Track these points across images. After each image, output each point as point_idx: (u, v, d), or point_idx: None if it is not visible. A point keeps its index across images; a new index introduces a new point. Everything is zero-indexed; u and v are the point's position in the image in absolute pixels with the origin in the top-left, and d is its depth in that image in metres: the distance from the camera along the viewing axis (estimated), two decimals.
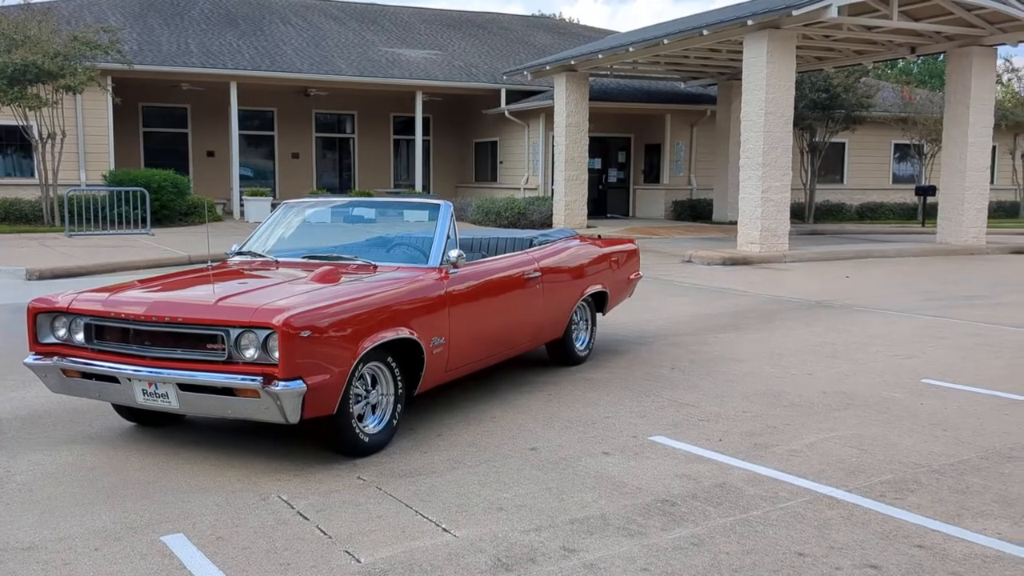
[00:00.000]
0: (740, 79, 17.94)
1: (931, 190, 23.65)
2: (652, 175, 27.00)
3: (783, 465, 4.94)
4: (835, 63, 21.67)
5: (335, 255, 5.99)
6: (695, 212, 25.37)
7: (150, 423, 5.60)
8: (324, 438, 5.00)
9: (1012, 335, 9.00)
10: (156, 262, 14.17)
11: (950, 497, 4.48)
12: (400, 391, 5.24)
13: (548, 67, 22.36)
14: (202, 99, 25.37)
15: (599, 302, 7.84)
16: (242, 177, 24.82)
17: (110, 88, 21.52)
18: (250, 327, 4.53)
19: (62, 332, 5.07)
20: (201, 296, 4.98)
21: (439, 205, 6.18)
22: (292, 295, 4.91)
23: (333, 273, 5.52)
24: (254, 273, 5.79)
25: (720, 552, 3.82)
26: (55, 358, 5.04)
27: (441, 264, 5.74)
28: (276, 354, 4.45)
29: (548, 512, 4.25)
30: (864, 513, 4.27)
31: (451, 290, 5.66)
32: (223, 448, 5.18)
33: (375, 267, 5.68)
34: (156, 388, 4.73)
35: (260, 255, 6.23)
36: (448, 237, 5.95)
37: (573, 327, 7.37)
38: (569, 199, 22.23)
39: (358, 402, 5.00)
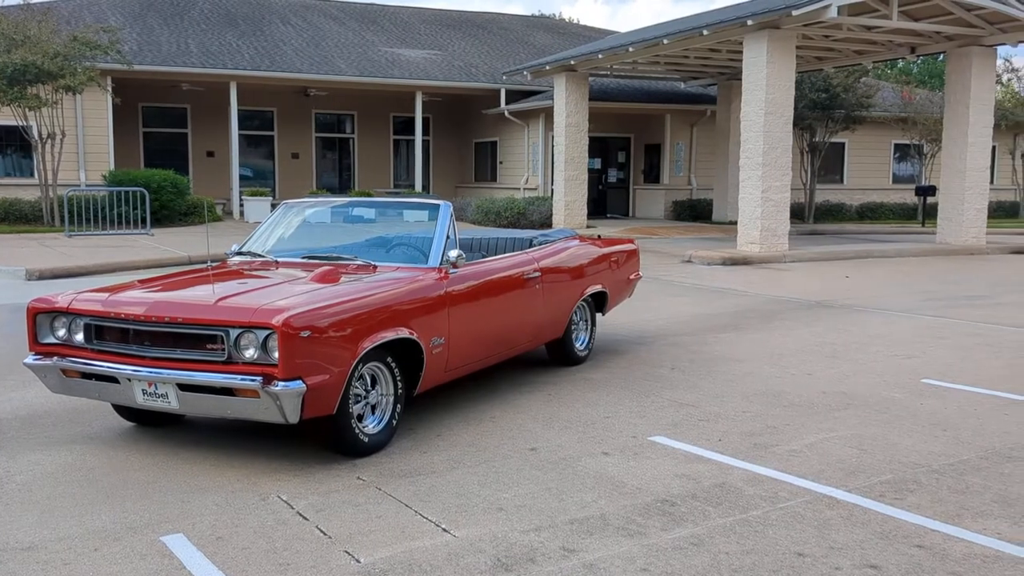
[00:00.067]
0: (740, 79, 17.93)
1: (931, 190, 23.65)
2: (652, 175, 27.00)
3: (783, 465, 4.94)
4: (835, 63, 21.67)
5: (335, 255, 6.00)
6: (695, 212, 25.37)
7: (150, 423, 5.60)
8: (324, 438, 5.01)
9: (1012, 335, 9.00)
10: (156, 262, 14.17)
11: (950, 497, 4.48)
12: (400, 391, 5.24)
13: (548, 67, 22.36)
14: (202, 99, 25.37)
15: (599, 302, 7.84)
16: (242, 177, 24.82)
17: (110, 88, 21.52)
18: (250, 327, 4.53)
19: (62, 332, 5.07)
20: (201, 296, 4.98)
21: (439, 205, 6.18)
22: (292, 295, 4.91)
23: (333, 273, 5.52)
24: (254, 273, 5.79)
25: (720, 552, 3.82)
26: (55, 358, 5.04)
27: (441, 264, 5.74)
28: (276, 354, 4.45)
29: (548, 512, 4.25)
30: (864, 513, 4.27)
31: (451, 290, 5.66)
32: (223, 448, 5.18)
33: (375, 267, 5.69)
34: (156, 388, 4.73)
35: (260, 255, 6.23)
36: (448, 237, 5.95)
37: (573, 327, 7.38)
38: (569, 199, 22.23)
39: (358, 402, 5.01)
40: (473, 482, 4.65)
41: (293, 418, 4.55)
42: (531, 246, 7.41)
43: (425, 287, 5.49)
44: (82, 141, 22.03)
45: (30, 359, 5.14)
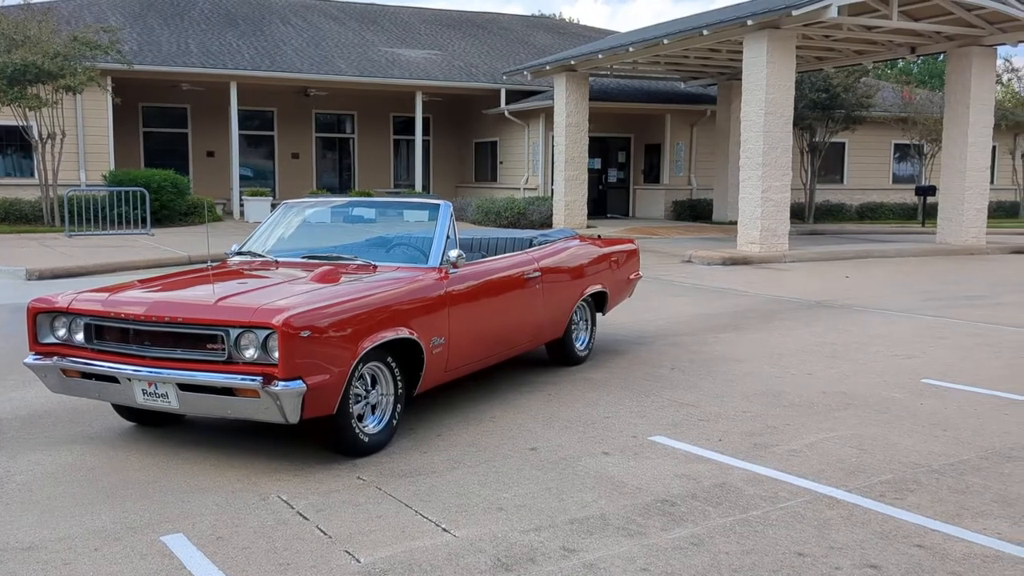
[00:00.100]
0: (740, 79, 17.94)
1: (931, 190, 23.65)
2: (652, 175, 27.00)
3: (783, 465, 4.94)
4: (835, 63, 21.67)
5: (335, 255, 6.00)
6: (695, 212, 25.37)
7: (150, 423, 5.60)
8: (324, 438, 5.01)
9: (1012, 335, 9.00)
10: (156, 262, 14.17)
11: (950, 497, 4.48)
12: (400, 391, 5.24)
13: (548, 67, 22.36)
14: (202, 99, 25.38)
15: (599, 302, 7.84)
16: (242, 177, 24.82)
17: (110, 88, 21.52)
18: (250, 327, 4.53)
19: (62, 332, 5.08)
20: (201, 296, 4.98)
21: (439, 205, 6.18)
22: (292, 295, 4.91)
23: (333, 273, 5.52)
24: (254, 273, 5.79)
25: (720, 552, 3.82)
26: (55, 358, 5.04)
27: (441, 264, 5.74)
28: (276, 354, 4.45)
29: (548, 512, 4.25)
30: (864, 513, 4.27)
31: (451, 290, 5.66)
32: (223, 448, 5.18)
33: (375, 267, 5.69)
34: (156, 388, 4.73)
35: (260, 255, 6.23)
36: (448, 237, 5.95)
37: (573, 327, 7.38)
38: (569, 199, 22.23)
39: (358, 402, 5.01)
40: (473, 482, 4.65)
41: (293, 418, 4.55)
42: (531, 246, 7.41)
43: (425, 287, 5.49)
44: (82, 141, 22.03)
45: (30, 359, 5.14)
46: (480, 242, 7.90)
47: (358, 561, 3.72)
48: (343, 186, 27.97)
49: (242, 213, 23.57)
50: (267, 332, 4.48)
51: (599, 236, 8.56)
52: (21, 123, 19.49)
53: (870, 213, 27.16)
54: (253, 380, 4.46)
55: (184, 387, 4.67)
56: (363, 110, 28.02)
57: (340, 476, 4.72)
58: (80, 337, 5.00)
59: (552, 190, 23.62)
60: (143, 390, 4.78)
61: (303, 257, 6.03)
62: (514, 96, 26.01)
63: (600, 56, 20.37)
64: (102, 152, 22.32)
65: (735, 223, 18.02)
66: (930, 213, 22.80)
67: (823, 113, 23.65)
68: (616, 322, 9.17)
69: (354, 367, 4.79)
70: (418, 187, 26.30)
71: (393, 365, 5.16)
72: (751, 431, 5.60)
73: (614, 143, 27.13)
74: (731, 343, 8.47)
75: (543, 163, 25.30)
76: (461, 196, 27.17)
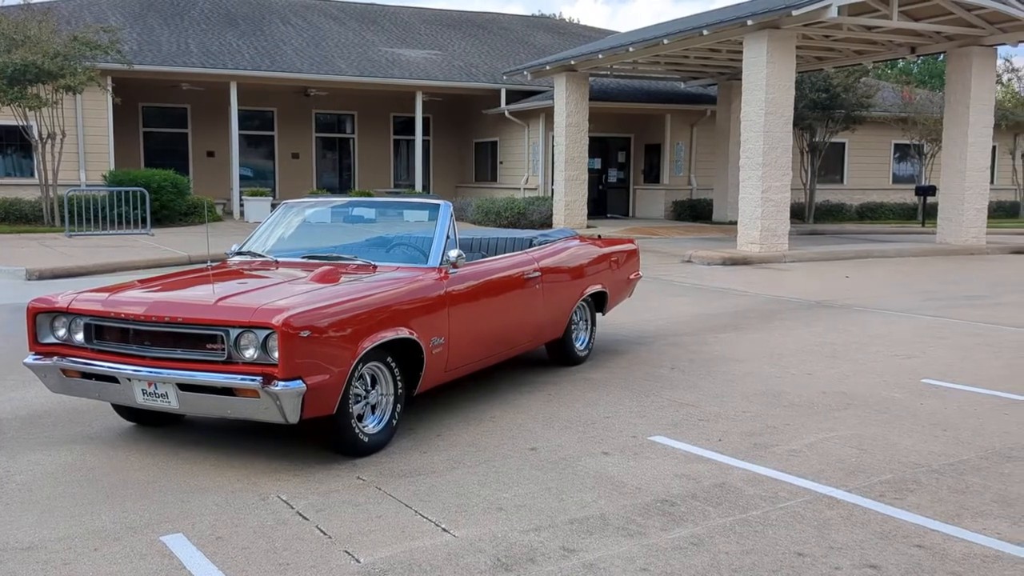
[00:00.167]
0: (740, 79, 17.94)
1: (931, 190, 23.65)
2: (652, 175, 27.00)
3: (783, 465, 4.94)
4: (835, 63, 21.67)
5: (335, 255, 6.00)
6: (695, 212, 25.37)
7: (150, 423, 5.60)
8: (324, 438, 5.01)
9: (1012, 335, 9.00)
10: (156, 262, 14.18)
11: (950, 497, 4.48)
12: (400, 391, 5.24)
13: (548, 67, 22.36)
14: (202, 99, 25.38)
15: (599, 302, 7.84)
16: (242, 177, 24.82)
17: (110, 88, 21.52)
18: (250, 327, 4.53)
19: (62, 332, 5.08)
20: (201, 296, 4.98)
21: (439, 205, 6.18)
22: (292, 295, 4.91)
23: (333, 273, 5.52)
24: (254, 273, 5.79)
25: (720, 552, 3.82)
26: (55, 358, 5.04)
27: (441, 264, 5.74)
28: (276, 354, 4.45)
29: (548, 512, 4.25)
30: (864, 513, 4.27)
31: (451, 290, 5.66)
32: (223, 448, 5.18)
33: (375, 267, 5.69)
34: (156, 388, 4.73)
35: (260, 255, 6.23)
36: (448, 237, 5.95)
37: (573, 327, 7.38)
38: (569, 199, 22.24)
39: (358, 402, 5.01)
40: (473, 482, 4.65)
41: (293, 418, 4.55)
42: (531, 246, 7.41)
43: (425, 287, 5.49)
44: (82, 141, 22.03)
45: (30, 359, 5.14)
46: (480, 242, 7.90)
47: (358, 561, 3.72)
48: (343, 186, 27.96)
49: (242, 213, 23.58)
50: (267, 332, 4.48)
51: (599, 236, 8.57)
52: (21, 123, 19.49)
53: (870, 213, 27.16)
54: (253, 380, 4.46)
55: (184, 387, 4.67)
56: (363, 110, 28.02)
57: (340, 476, 4.72)
58: (80, 337, 5.00)
59: (552, 190, 23.62)
60: (143, 390, 4.78)
61: (303, 257, 6.03)
62: (514, 96, 26.01)
63: (600, 56, 20.37)
64: (102, 152, 22.32)
65: (735, 223, 18.02)
66: (930, 213, 22.80)
67: (823, 113, 23.65)
68: (616, 322, 9.17)
69: (354, 367, 4.79)
70: (418, 187, 26.31)
71: (393, 365, 5.16)
72: (751, 431, 5.60)
73: (614, 143, 27.13)
74: (731, 343, 8.47)
75: (543, 163, 25.30)
76: (461, 196, 27.17)
